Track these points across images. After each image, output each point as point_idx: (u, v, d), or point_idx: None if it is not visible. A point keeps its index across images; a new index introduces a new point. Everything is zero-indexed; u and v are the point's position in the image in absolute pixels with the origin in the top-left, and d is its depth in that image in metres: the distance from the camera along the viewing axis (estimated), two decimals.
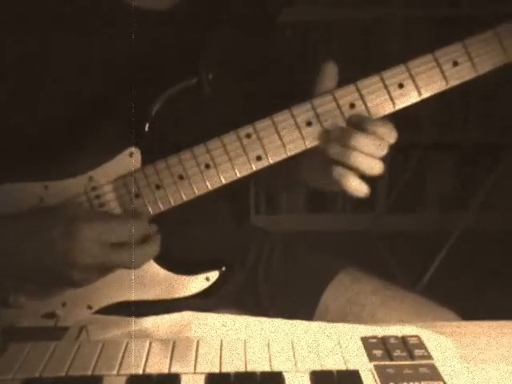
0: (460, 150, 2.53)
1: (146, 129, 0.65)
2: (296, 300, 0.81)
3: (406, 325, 0.58)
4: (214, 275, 0.66)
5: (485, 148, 2.49)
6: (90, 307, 0.65)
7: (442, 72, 0.62)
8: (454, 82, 0.63)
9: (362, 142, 0.60)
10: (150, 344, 0.54)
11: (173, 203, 0.65)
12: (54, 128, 0.66)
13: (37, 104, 0.67)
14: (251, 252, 0.89)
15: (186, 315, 0.61)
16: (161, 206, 0.65)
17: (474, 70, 0.62)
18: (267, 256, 0.88)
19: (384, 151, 0.61)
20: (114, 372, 0.50)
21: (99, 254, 0.59)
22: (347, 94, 0.63)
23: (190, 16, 0.73)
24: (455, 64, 0.62)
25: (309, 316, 0.79)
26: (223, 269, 0.66)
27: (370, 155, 0.60)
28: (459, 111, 2.46)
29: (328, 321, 0.60)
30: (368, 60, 2.37)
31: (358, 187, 0.61)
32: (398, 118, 0.65)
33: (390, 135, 0.61)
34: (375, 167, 0.61)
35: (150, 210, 0.65)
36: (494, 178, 2.07)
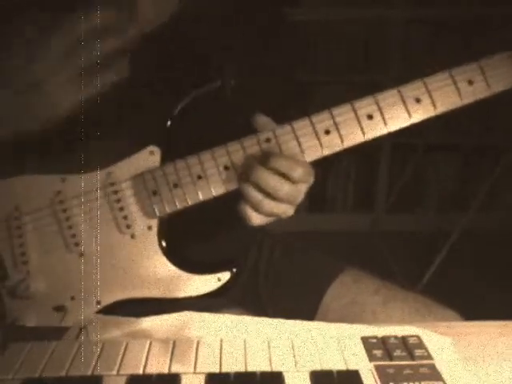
0: (460, 150, 2.53)
1: (168, 127, 0.65)
2: (296, 300, 0.81)
3: (406, 325, 0.58)
4: (225, 276, 0.66)
5: (485, 149, 2.49)
6: (98, 302, 0.66)
7: (458, 89, 0.64)
8: (468, 100, 0.65)
9: (260, 175, 0.61)
10: (150, 344, 0.54)
11: (189, 202, 0.65)
12: (73, 123, 0.66)
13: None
14: (251, 252, 0.89)
15: (186, 315, 0.61)
16: (177, 204, 0.65)
17: (488, 89, 0.64)
18: (267, 256, 0.88)
19: (284, 188, 0.62)
20: (114, 372, 0.50)
21: None
22: (365, 106, 0.64)
23: (195, 18, 0.73)
24: (470, 83, 0.64)
25: (310, 316, 0.79)
26: (234, 270, 0.66)
27: (271, 193, 0.62)
28: (459, 112, 2.45)
29: (329, 321, 0.60)
30: (368, 60, 2.37)
31: (259, 223, 0.65)
32: None
33: (293, 170, 0.62)
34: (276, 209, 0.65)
35: (166, 208, 0.65)
36: (494, 178, 2.07)
